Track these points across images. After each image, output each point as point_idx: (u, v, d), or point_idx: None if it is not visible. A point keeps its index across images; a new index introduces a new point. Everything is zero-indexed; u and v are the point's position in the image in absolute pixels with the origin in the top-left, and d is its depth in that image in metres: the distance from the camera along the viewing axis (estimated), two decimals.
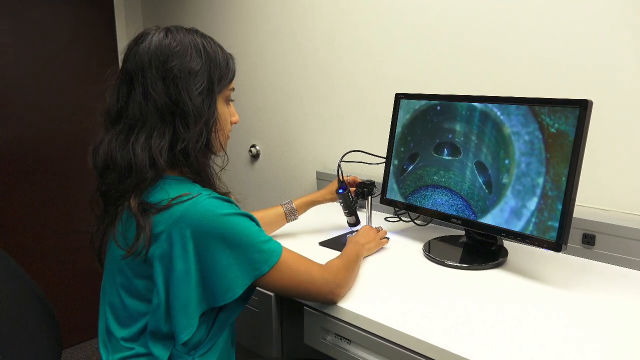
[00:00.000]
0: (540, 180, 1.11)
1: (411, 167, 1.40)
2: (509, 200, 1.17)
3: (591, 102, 1.05)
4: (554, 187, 1.09)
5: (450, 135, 1.31)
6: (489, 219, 1.21)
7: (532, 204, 1.12)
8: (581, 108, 1.05)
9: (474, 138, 1.25)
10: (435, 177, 1.34)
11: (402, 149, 1.43)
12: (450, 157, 1.31)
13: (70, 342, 2.53)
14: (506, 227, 1.17)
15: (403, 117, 1.43)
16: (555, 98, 1.11)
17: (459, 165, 1.29)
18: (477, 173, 1.24)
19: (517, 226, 1.15)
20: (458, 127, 1.29)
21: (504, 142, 1.19)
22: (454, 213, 1.29)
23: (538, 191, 1.12)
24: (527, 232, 1.13)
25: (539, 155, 1.12)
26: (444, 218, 1.32)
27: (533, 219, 1.12)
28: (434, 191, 1.35)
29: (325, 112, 1.94)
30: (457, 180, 1.29)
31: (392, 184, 1.46)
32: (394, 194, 1.45)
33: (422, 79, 1.63)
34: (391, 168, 1.46)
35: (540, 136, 1.12)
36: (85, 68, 2.46)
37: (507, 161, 1.18)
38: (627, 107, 1.25)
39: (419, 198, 1.38)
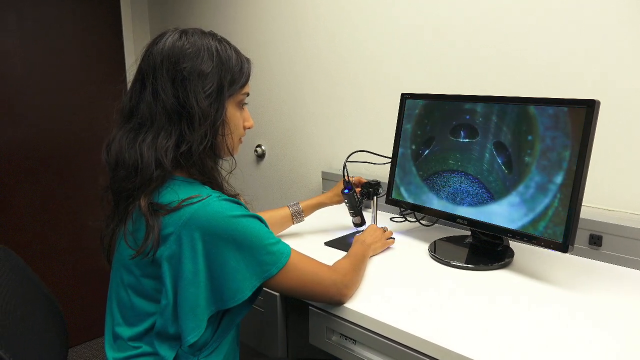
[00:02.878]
0: (567, 154, 1.09)
1: (427, 151, 1.38)
2: (534, 177, 1.15)
3: (598, 102, 1.05)
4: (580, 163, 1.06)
5: (468, 117, 1.29)
6: (513, 199, 1.18)
7: (559, 177, 1.10)
8: (588, 108, 1.05)
9: (493, 118, 1.23)
10: (451, 162, 1.32)
11: (419, 132, 1.41)
12: (467, 140, 1.29)
13: (77, 341, 2.54)
14: (518, 222, 1.16)
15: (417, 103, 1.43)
16: (562, 98, 1.10)
17: (477, 148, 1.26)
18: (496, 153, 1.22)
19: (542, 202, 1.12)
20: (479, 108, 1.27)
21: (527, 118, 1.16)
22: (470, 198, 1.27)
23: (564, 165, 1.09)
24: (537, 233, 1.12)
25: (564, 128, 1.09)
26: (450, 218, 1.32)
27: (559, 195, 1.09)
28: (451, 175, 1.32)
29: (331, 112, 1.94)
30: (474, 163, 1.27)
31: (410, 167, 1.43)
32: (412, 176, 1.43)
33: (427, 79, 1.63)
34: (409, 152, 1.44)
35: (565, 109, 1.09)
36: (92, 68, 2.47)
37: (530, 137, 1.15)
38: (632, 107, 1.24)
39: (438, 180, 1.36)
